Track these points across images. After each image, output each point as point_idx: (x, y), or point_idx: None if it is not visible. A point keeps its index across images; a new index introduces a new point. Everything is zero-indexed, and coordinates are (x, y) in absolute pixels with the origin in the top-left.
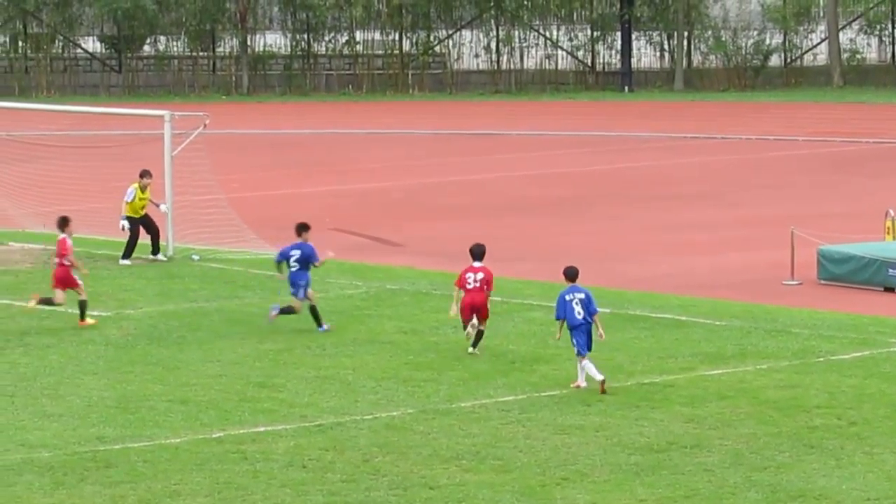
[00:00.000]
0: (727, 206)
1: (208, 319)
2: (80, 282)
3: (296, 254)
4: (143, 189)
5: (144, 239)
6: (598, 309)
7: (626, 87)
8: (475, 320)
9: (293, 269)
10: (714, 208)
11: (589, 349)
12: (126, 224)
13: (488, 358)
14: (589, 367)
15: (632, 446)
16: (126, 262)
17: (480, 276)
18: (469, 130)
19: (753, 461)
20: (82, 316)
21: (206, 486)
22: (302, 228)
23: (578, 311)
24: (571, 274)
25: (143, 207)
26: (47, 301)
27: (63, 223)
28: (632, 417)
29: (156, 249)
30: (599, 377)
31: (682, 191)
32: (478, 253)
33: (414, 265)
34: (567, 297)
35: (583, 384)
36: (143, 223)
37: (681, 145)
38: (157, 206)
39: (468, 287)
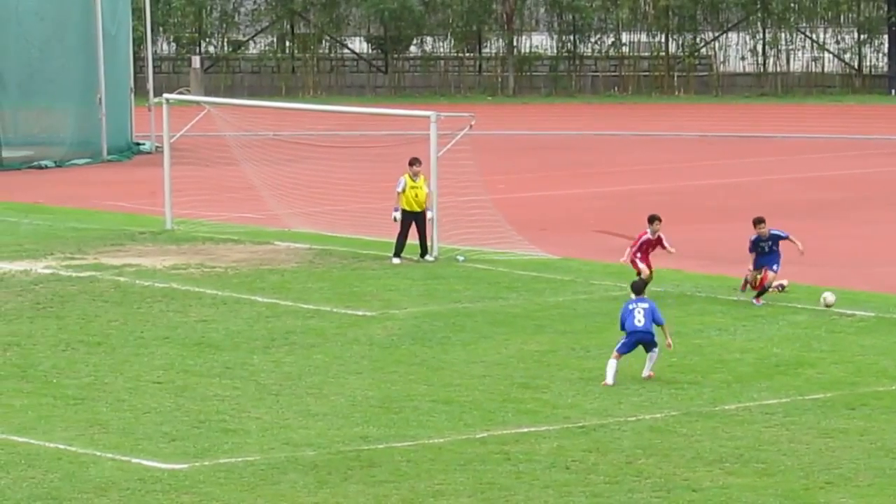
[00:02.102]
0: None
1: (472, 320)
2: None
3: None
4: (413, 177)
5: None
6: (664, 320)
7: (893, 91)
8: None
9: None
10: None
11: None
12: (398, 215)
13: (752, 361)
14: (650, 362)
15: None
16: (397, 260)
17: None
18: (734, 133)
19: None
20: None
21: (469, 487)
22: (759, 222)
23: (639, 320)
24: (636, 288)
25: (416, 198)
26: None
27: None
28: None
29: (424, 251)
30: (609, 381)
31: None
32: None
33: (678, 268)
34: (630, 307)
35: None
36: (416, 220)
37: None
38: (426, 210)
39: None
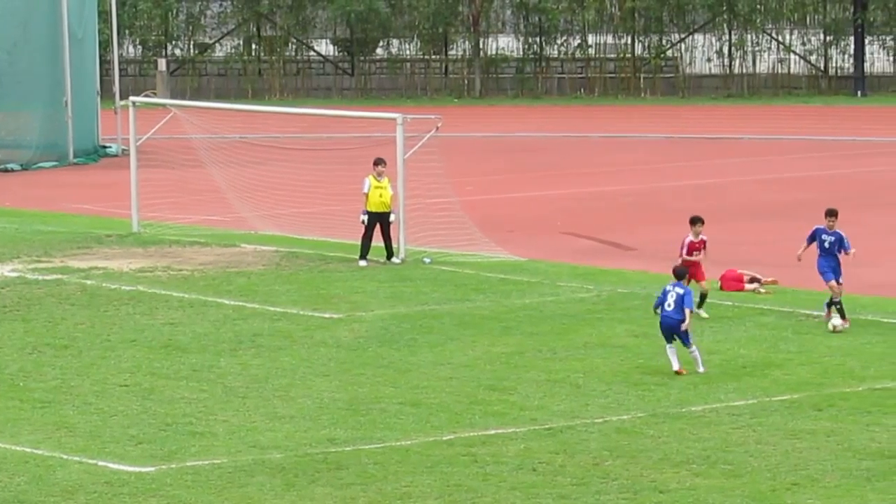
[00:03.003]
0: None
1: (439, 322)
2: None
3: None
4: (377, 177)
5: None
6: (693, 306)
7: (859, 92)
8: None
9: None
10: None
11: (688, 342)
12: (365, 218)
13: (719, 362)
14: (694, 356)
15: (863, 452)
16: (364, 263)
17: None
18: (701, 135)
19: None
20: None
21: (437, 489)
22: (831, 214)
23: (669, 304)
24: (678, 273)
25: (380, 198)
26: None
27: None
28: (863, 423)
29: (390, 253)
30: (675, 367)
31: None
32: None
33: (646, 269)
34: (667, 289)
35: (680, 369)
36: (381, 221)
37: None
38: (389, 213)
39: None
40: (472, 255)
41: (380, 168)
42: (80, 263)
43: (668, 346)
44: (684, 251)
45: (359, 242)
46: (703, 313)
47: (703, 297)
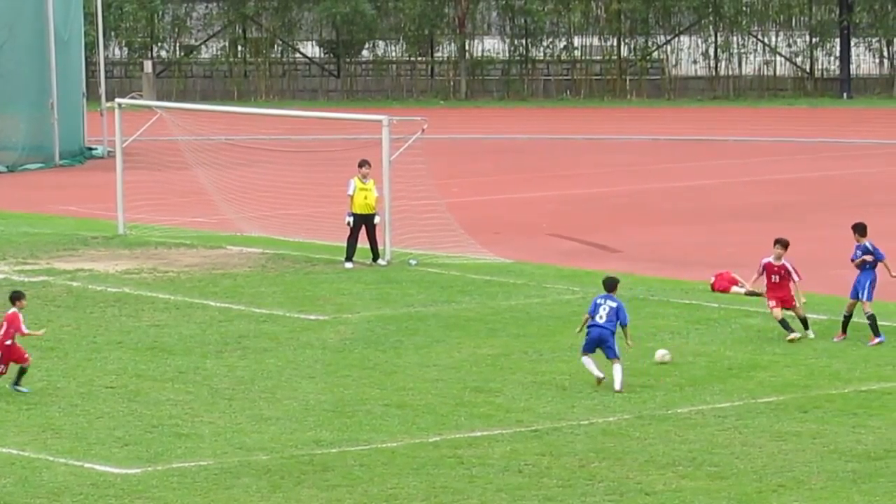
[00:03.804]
0: None
1: (425, 324)
2: None
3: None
4: (362, 179)
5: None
6: (628, 321)
7: (845, 94)
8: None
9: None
10: None
11: (615, 356)
12: (350, 220)
13: (705, 364)
14: (616, 370)
15: (849, 454)
16: (350, 265)
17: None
18: (687, 136)
19: None
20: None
21: (423, 491)
22: (859, 230)
23: (600, 316)
24: (608, 285)
25: (365, 200)
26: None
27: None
28: (849, 425)
29: (375, 255)
30: (598, 374)
31: None
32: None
33: (631, 271)
34: (598, 302)
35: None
36: (366, 223)
37: None
38: (374, 215)
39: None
40: (457, 257)
41: (365, 170)
42: (65, 265)
43: (583, 357)
44: (761, 275)
45: (344, 244)
46: (811, 334)
47: (804, 321)
